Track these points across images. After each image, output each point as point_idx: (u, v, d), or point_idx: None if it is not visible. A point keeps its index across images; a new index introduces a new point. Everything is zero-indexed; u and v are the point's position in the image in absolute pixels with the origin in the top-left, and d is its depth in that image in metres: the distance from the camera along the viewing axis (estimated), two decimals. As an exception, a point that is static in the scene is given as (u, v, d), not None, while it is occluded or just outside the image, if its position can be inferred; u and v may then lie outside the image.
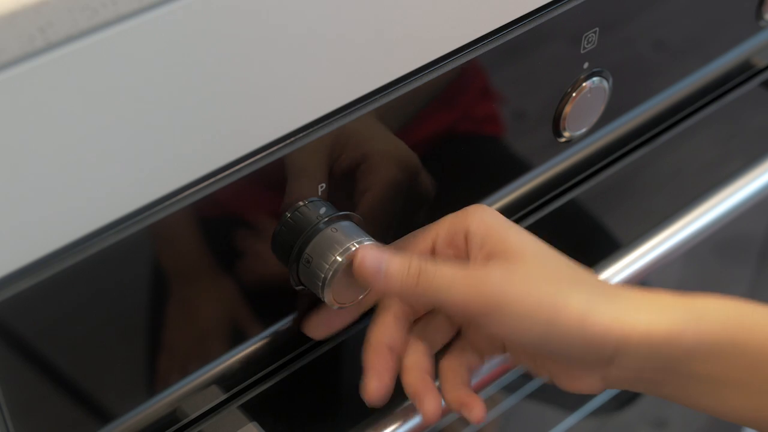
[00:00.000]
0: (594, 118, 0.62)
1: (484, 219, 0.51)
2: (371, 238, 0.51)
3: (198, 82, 0.43)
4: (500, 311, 0.47)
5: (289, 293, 0.53)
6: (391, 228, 0.55)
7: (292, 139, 0.48)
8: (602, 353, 0.47)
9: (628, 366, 0.47)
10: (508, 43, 0.55)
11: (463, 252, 0.51)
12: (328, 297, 0.50)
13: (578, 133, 0.62)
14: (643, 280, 0.67)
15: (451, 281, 0.48)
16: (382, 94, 0.51)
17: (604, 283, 0.50)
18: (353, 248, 0.50)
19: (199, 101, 0.43)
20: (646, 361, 0.47)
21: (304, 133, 0.49)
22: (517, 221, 0.65)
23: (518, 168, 0.63)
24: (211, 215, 0.48)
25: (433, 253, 0.52)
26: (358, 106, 0.50)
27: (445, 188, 0.58)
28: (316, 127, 0.49)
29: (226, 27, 0.43)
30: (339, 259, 0.50)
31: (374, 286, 0.49)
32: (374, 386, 0.50)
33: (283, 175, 0.49)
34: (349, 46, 0.48)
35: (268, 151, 0.48)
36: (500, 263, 0.49)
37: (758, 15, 0.69)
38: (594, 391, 0.50)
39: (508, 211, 0.64)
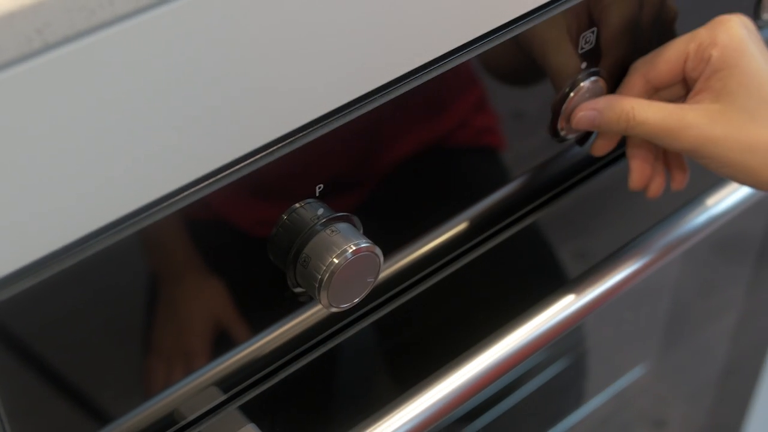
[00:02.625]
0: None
1: (731, 41, 0.57)
2: (368, 240, 0.51)
3: (193, 83, 0.43)
4: (704, 156, 0.57)
5: (287, 294, 0.53)
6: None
7: (289, 140, 0.48)
8: None
9: None
10: (501, 46, 0.55)
11: (702, 71, 0.58)
12: (324, 299, 0.50)
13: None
14: (642, 278, 0.67)
15: (657, 129, 0.57)
16: (380, 94, 0.51)
17: None
18: (352, 248, 0.50)
19: (195, 103, 0.43)
20: None
21: (301, 134, 0.49)
22: (519, 219, 0.65)
23: (519, 167, 0.63)
24: (208, 217, 0.48)
25: (686, 66, 0.59)
26: (356, 106, 0.50)
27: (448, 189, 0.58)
28: (313, 128, 0.49)
29: (221, 29, 0.42)
30: (336, 261, 0.50)
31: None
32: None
33: (279, 177, 0.49)
34: (343, 46, 0.48)
35: (264, 153, 0.48)
36: (707, 105, 0.56)
37: (756, 14, 0.69)
38: None
39: (512, 208, 0.64)
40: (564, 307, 0.64)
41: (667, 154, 0.64)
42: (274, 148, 0.48)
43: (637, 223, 0.71)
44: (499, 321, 0.63)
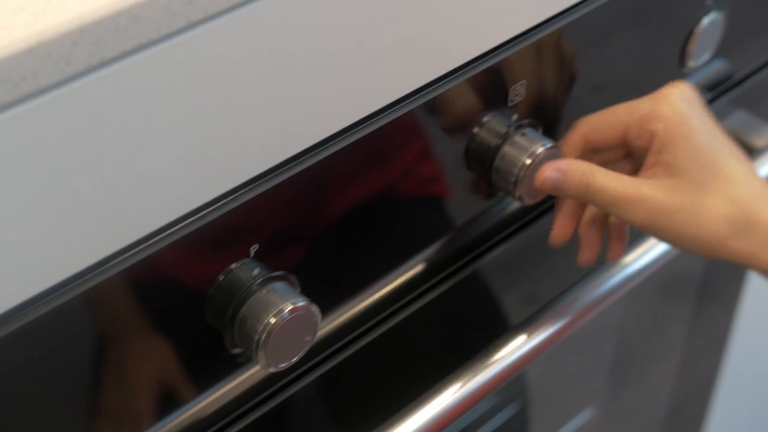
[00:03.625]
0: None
1: (675, 115, 0.58)
2: (306, 297, 0.51)
3: (126, 148, 0.43)
4: (657, 229, 0.58)
5: (225, 356, 0.53)
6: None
7: (221, 202, 0.48)
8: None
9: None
10: (434, 100, 0.56)
11: (647, 145, 0.59)
12: (262, 359, 0.50)
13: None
14: (587, 320, 0.68)
15: (613, 198, 0.57)
16: (315, 152, 0.51)
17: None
18: (288, 307, 0.50)
19: (129, 167, 0.43)
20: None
21: (234, 195, 0.49)
22: (465, 265, 0.66)
23: (463, 214, 0.63)
24: (145, 280, 0.48)
25: (627, 135, 0.60)
26: (288, 166, 0.50)
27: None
28: (245, 189, 0.49)
29: (153, 94, 0.43)
30: (272, 320, 0.50)
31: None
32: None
33: (214, 239, 0.49)
34: (279, 103, 0.48)
35: (197, 216, 0.48)
36: (662, 180, 0.57)
37: (681, 62, 0.70)
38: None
39: (457, 256, 0.65)
40: (509, 352, 0.64)
41: (610, 224, 0.64)
42: (207, 210, 0.48)
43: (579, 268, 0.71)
44: (446, 368, 0.63)
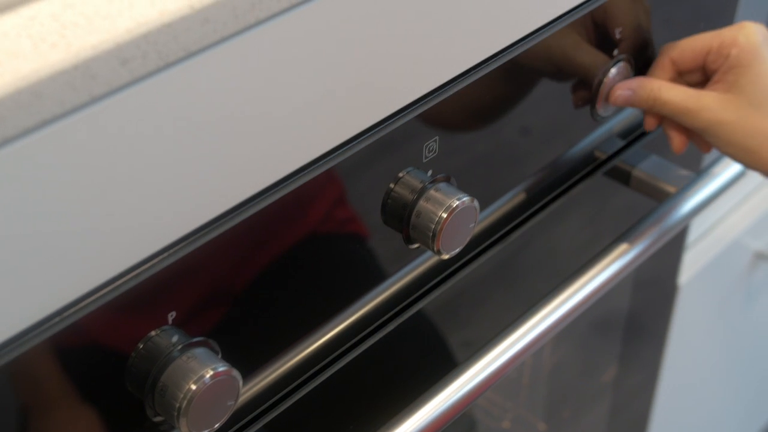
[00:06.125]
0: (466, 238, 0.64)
1: (748, 45, 0.68)
2: (226, 363, 0.51)
3: (37, 220, 0.43)
4: (711, 135, 0.69)
5: (147, 425, 0.52)
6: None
7: (136, 271, 0.48)
8: None
9: None
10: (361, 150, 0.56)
11: (721, 67, 0.69)
12: (184, 427, 0.50)
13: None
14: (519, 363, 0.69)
15: (678, 108, 0.69)
16: (229, 217, 0.52)
17: None
18: (209, 373, 0.50)
19: (35, 242, 0.43)
20: None
21: (148, 264, 0.49)
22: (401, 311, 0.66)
23: (379, 274, 0.64)
24: (66, 349, 0.47)
25: (707, 58, 0.70)
26: (200, 234, 0.51)
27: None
28: (158, 259, 0.49)
29: (52, 171, 0.43)
30: (193, 387, 0.50)
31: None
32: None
33: (131, 308, 0.49)
34: (189, 172, 0.48)
35: (111, 286, 0.48)
36: (720, 94, 0.68)
37: (593, 113, 0.72)
38: None
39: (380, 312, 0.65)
40: (444, 398, 0.65)
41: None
42: (122, 280, 0.48)
43: (516, 308, 0.72)
44: (378, 423, 0.63)
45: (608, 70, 0.70)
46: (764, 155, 0.67)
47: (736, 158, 0.69)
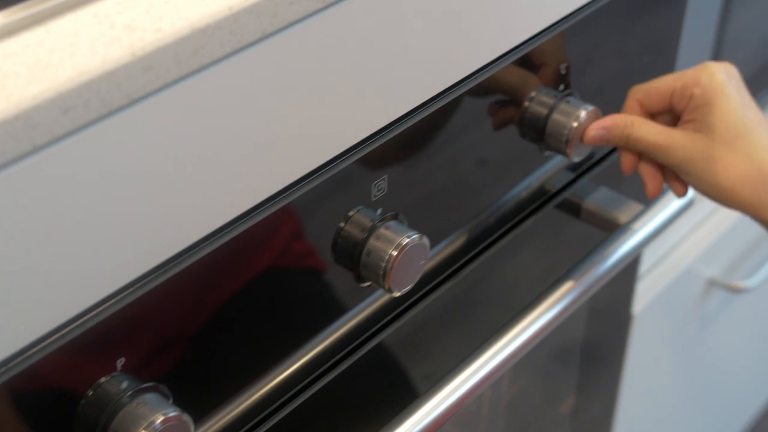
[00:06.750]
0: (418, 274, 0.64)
1: (711, 83, 0.69)
2: (177, 408, 0.51)
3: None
4: (684, 172, 0.69)
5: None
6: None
7: (83, 319, 0.48)
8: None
9: None
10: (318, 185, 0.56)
11: (687, 107, 0.70)
12: (134, 473, 0.50)
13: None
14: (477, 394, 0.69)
15: (650, 144, 0.70)
16: (177, 261, 0.52)
17: None
18: (159, 419, 0.50)
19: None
20: None
21: (96, 311, 0.49)
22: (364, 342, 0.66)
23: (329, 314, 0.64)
24: (17, 395, 0.47)
25: (672, 99, 0.71)
26: (151, 277, 0.51)
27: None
28: (105, 305, 0.49)
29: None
30: (143, 434, 0.49)
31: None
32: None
33: (79, 355, 0.49)
34: (128, 224, 0.48)
35: (58, 334, 0.47)
36: (691, 133, 0.69)
37: (540, 150, 0.73)
38: None
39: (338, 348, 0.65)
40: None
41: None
42: (69, 328, 0.48)
43: (476, 340, 0.73)
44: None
45: (578, 115, 0.71)
46: (738, 193, 0.67)
47: (711, 196, 0.69)
